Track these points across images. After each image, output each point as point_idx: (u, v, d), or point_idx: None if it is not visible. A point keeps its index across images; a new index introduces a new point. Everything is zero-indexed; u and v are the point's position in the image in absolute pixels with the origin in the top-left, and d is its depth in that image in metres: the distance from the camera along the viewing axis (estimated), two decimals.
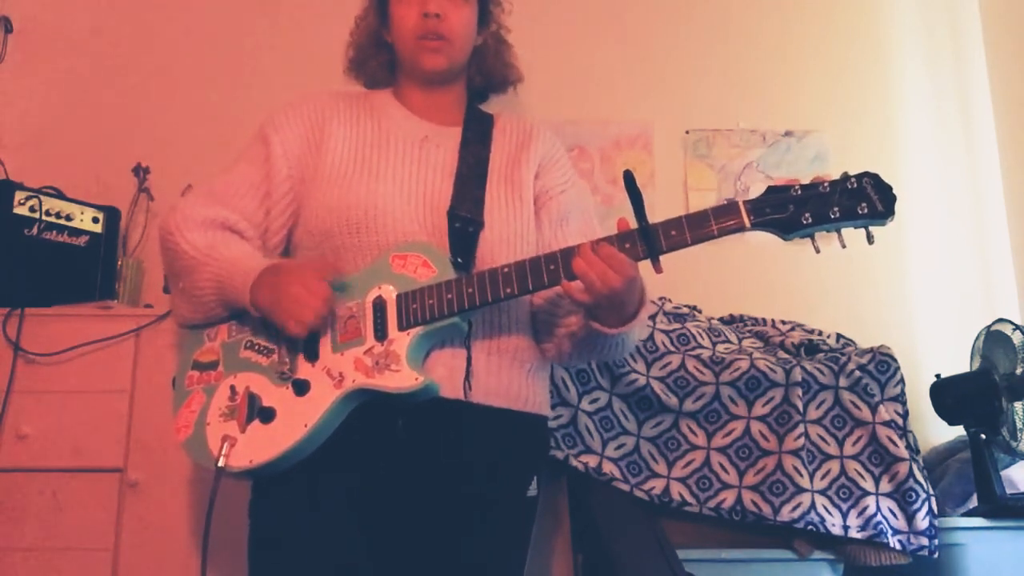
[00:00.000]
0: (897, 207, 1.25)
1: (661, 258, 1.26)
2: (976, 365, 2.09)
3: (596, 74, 2.59)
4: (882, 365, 1.93)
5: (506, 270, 1.30)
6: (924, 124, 2.63)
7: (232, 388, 1.34)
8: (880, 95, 2.63)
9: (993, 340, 2.05)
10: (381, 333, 1.31)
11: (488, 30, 1.60)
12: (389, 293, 1.33)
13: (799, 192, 1.24)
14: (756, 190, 2.50)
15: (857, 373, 1.91)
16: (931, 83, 2.68)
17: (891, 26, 2.70)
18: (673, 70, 2.60)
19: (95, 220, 2.09)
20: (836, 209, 1.22)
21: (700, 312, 2.18)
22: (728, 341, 2.06)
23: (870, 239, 1.24)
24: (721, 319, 2.23)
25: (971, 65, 2.70)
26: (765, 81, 2.61)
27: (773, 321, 2.22)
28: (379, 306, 1.33)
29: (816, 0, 2.69)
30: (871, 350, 1.97)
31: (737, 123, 2.57)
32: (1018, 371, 1.96)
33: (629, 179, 1.26)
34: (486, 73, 1.62)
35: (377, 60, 1.59)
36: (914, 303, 2.50)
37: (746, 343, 2.09)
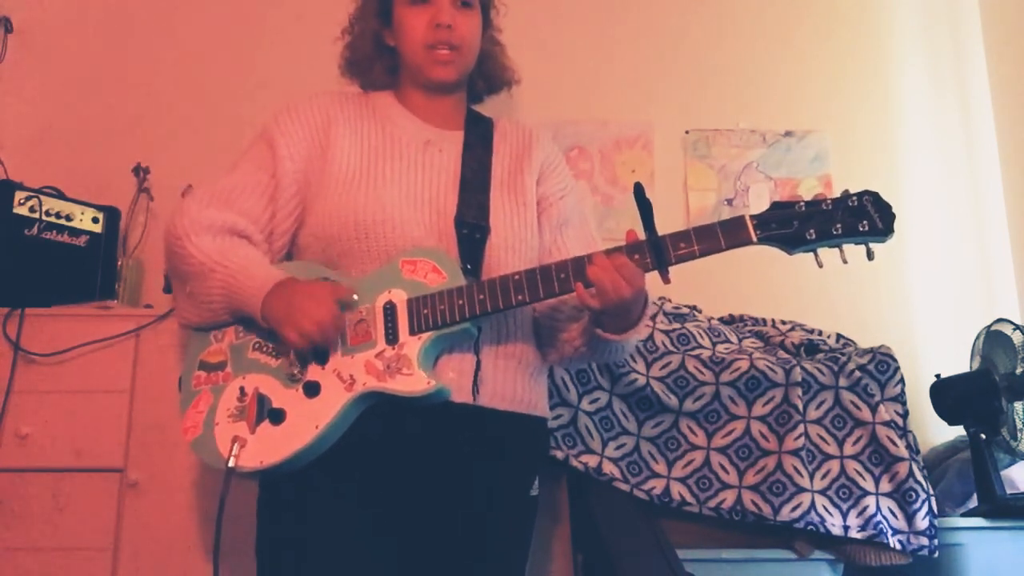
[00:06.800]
0: (897, 207, 1.28)
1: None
2: (976, 365, 2.09)
3: (596, 74, 2.59)
4: (882, 365, 1.93)
5: (517, 278, 1.31)
6: (924, 124, 2.63)
7: (241, 389, 1.34)
8: (880, 95, 2.64)
9: (993, 340, 2.06)
10: (392, 337, 1.32)
11: (486, 34, 1.60)
12: (399, 297, 1.34)
13: (803, 208, 1.28)
14: (756, 190, 2.52)
15: (857, 373, 1.91)
16: (931, 83, 2.68)
17: (891, 26, 2.70)
18: (673, 70, 2.60)
19: (95, 220, 2.09)
20: (838, 226, 1.26)
21: (700, 312, 2.18)
22: (728, 341, 2.06)
23: (870, 255, 1.27)
24: (721, 319, 2.23)
25: (971, 65, 2.70)
26: (765, 81, 2.61)
27: (773, 321, 2.22)
28: (389, 310, 1.33)
29: (816, 0, 2.69)
30: (871, 350, 1.97)
31: (737, 123, 2.57)
32: (1018, 371, 1.96)
33: (639, 191, 1.30)
34: (487, 77, 1.63)
35: (380, 64, 1.59)
36: (914, 303, 2.50)
37: (746, 343, 2.09)
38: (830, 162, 2.53)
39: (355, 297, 1.35)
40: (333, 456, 1.30)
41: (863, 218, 1.26)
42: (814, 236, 1.26)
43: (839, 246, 1.28)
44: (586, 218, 1.60)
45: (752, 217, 1.28)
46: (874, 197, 1.27)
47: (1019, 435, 1.97)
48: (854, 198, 1.27)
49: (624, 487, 1.85)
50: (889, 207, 1.27)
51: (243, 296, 1.34)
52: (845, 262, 1.27)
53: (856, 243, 1.27)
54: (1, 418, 1.79)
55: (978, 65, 2.70)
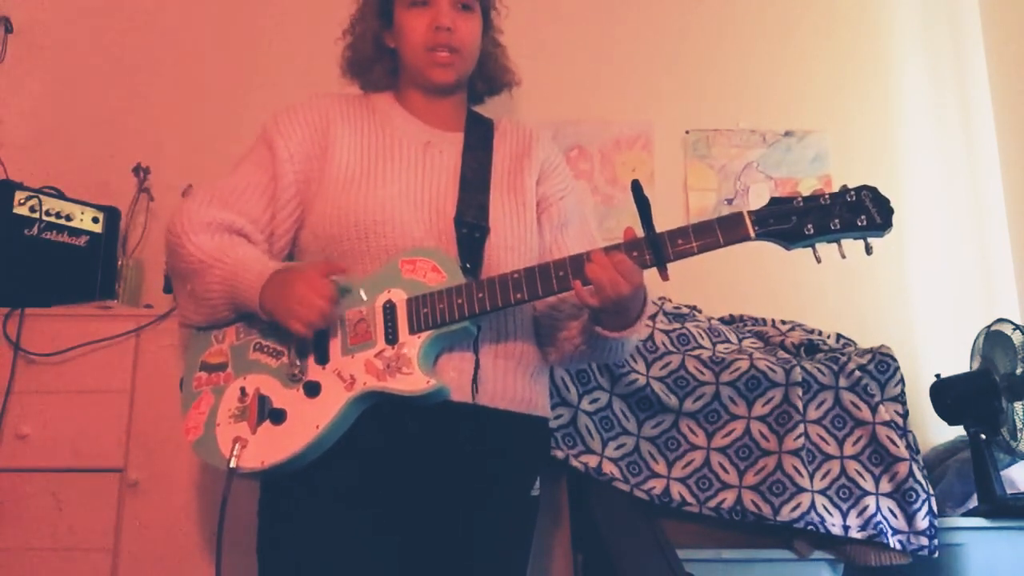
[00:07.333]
0: (897, 207, 1.28)
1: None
2: (976, 365, 2.09)
3: (596, 74, 2.59)
4: (882, 365, 1.93)
5: (516, 276, 1.32)
6: (924, 124, 2.63)
7: (242, 390, 1.35)
8: (880, 95, 2.64)
9: (993, 340, 2.06)
10: (392, 336, 1.32)
11: (487, 36, 1.60)
12: (399, 297, 1.34)
13: (801, 204, 1.28)
14: (756, 190, 2.52)
15: (857, 373, 1.91)
16: (931, 83, 2.68)
17: (891, 26, 2.70)
18: (673, 70, 2.60)
19: (95, 220, 2.09)
20: (836, 221, 1.26)
21: (700, 312, 2.18)
22: (728, 341, 2.06)
23: (868, 250, 1.28)
24: (721, 319, 2.23)
25: (971, 64, 2.70)
26: (765, 81, 2.61)
27: (773, 321, 2.22)
28: (389, 310, 1.34)
29: (816, 1, 2.69)
30: (871, 350, 1.97)
31: (737, 123, 2.57)
32: (1018, 371, 1.96)
33: (637, 188, 1.30)
34: (488, 79, 1.64)
35: (381, 66, 1.59)
36: (914, 303, 2.50)
37: (746, 343, 2.09)
38: (830, 162, 2.53)
39: (351, 282, 1.35)
40: (334, 456, 1.30)
41: (861, 213, 1.26)
42: (812, 231, 1.26)
43: (837, 241, 1.28)
44: (586, 218, 1.61)
45: (750, 213, 1.28)
46: (872, 192, 1.27)
47: (1019, 435, 1.97)
48: (852, 193, 1.27)
49: (624, 487, 1.85)
50: (887, 201, 1.27)
51: (241, 289, 1.34)
52: (843, 257, 1.27)
53: (854, 238, 1.27)
54: (1, 418, 1.79)
55: (978, 65, 2.70)
